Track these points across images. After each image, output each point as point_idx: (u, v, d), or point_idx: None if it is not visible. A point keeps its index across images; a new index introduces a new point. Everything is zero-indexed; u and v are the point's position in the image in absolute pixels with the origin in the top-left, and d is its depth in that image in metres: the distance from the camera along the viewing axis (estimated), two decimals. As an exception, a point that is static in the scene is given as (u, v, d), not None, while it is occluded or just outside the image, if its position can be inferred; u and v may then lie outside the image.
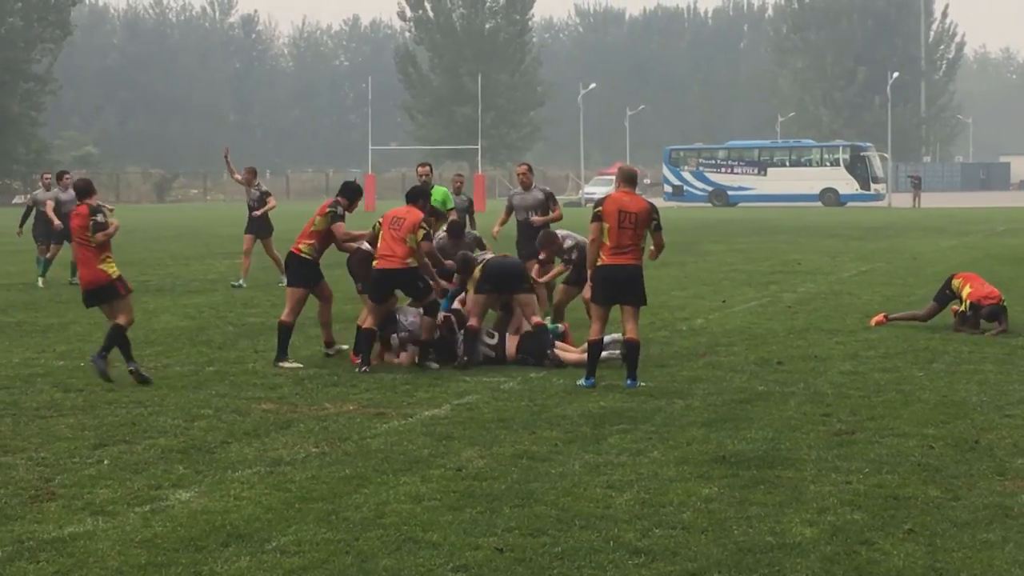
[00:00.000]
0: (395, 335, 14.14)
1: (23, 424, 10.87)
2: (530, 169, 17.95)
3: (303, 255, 14.37)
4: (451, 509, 8.06)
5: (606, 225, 12.53)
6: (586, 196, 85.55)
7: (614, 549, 7.23)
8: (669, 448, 9.77)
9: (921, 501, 8.20)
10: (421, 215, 13.98)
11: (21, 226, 25.45)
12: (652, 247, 12.96)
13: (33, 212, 25.33)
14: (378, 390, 12.46)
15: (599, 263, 12.64)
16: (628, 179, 13.04)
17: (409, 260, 13.65)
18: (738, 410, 11.29)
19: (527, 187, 17.67)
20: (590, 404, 11.59)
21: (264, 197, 23.81)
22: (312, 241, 14.40)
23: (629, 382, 12.52)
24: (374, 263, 13.98)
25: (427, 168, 18.55)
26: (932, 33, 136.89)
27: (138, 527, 7.71)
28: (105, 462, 9.43)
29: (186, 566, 7.00)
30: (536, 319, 14.18)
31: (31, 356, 14.88)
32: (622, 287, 12.55)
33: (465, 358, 13.81)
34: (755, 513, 7.94)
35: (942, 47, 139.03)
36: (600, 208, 12.61)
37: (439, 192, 18.22)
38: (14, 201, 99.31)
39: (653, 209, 12.77)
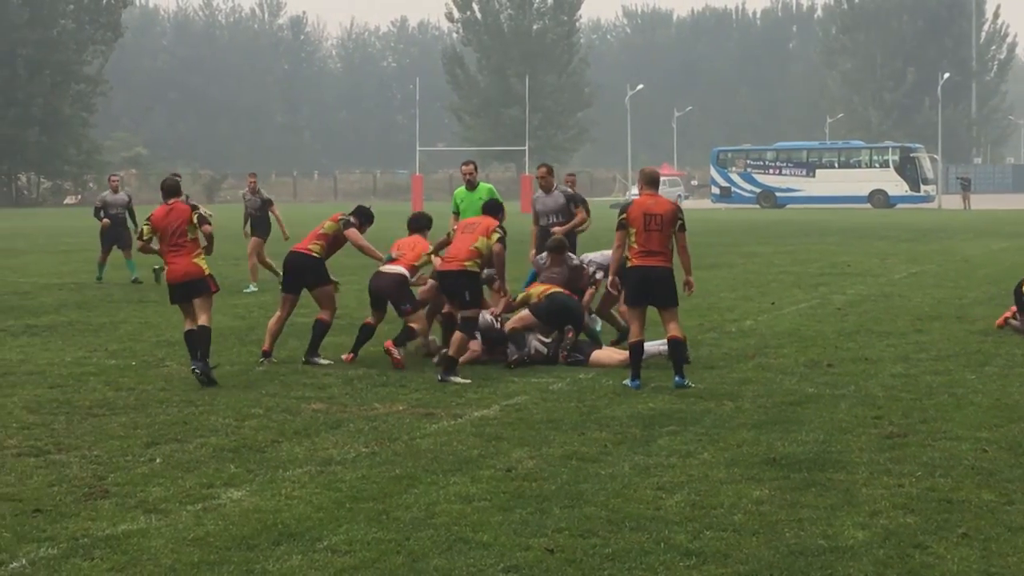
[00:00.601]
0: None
1: (76, 422, 10.96)
2: (550, 171, 16.79)
3: (312, 253, 14.54)
4: (501, 510, 8.06)
5: (632, 230, 12.66)
6: (634, 197, 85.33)
7: (665, 551, 7.21)
8: (719, 450, 9.74)
9: (975, 505, 8.14)
10: (496, 221, 14.04)
11: (101, 220, 25.54)
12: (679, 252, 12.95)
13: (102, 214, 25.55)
14: (427, 390, 12.49)
15: (629, 265, 12.76)
16: (651, 182, 13.13)
17: (468, 263, 13.58)
18: (788, 412, 11.23)
19: (548, 190, 16.76)
20: (639, 405, 11.57)
21: (266, 206, 24.01)
22: (321, 242, 14.63)
23: (677, 379, 12.54)
24: (438, 264, 14.12)
25: (471, 167, 18.20)
26: (983, 34, 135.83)
27: (191, 525, 7.76)
28: (157, 460, 9.50)
29: (238, 564, 7.04)
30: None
31: (83, 355, 15.01)
32: (653, 288, 12.63)
33: (515, 357, 13.86)
34: (806, 516, 7.90)
35: (993, 48, 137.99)
36: (625, 215, 12.73)
37: (484, 189, 17.99)
38: (65, 202, 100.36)
39: (678, 209, 12.87)
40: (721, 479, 8.83)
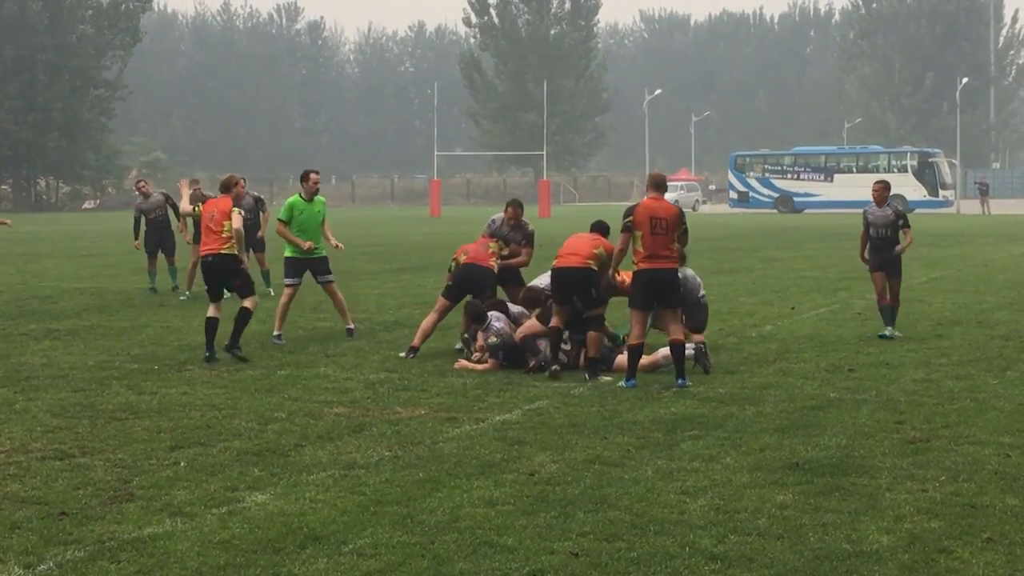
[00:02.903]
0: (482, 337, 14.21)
1: (100, 426, 11.00)
2: (519, 206, 15.97)
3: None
4: (525, 513, 8.08)
5: (638, 233, 12.76)
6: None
7: (690, 555, 7.22)
8: (742, 454, 9.75)
9: (999, 510, 8.13)
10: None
11: (137, 238, 24.23)
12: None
13: (143, 222, 24.21)
14: (449, 395, 12.51)
15: (636, 268, 12.89)
16: (658, 186, 13.16)
17: (591, 262, 13.67)
18: (810, 417, 11.23)
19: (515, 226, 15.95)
20: (661, 410, 11.58)
21: (259, 205, 23.04)
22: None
23: (680, 381, 12.71)
24: (554, 262, 13.87)
25: (318, 176, 17.25)
26: (1002, 38, 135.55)
27: (216, 528, 7.79)
28: (182, 464, 9.54)
29: (264, 567, 7.06)
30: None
31: (105, 359, 15.07)
32: (660, 290, 12.80)
33: (532, 364, 13.88)
34: (831, 520, 7.90)
35: (1012, 52, 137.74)
36: (631, 218, 12.81)
37: (320, 202, 16.90)
38: (84, 206, 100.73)
39: (681, 213, 13.05)
40: (744, 483, 8.83)
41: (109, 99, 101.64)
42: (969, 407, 11.64)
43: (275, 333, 16.48)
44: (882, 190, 17.36)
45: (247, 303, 15.07)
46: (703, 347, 13.87)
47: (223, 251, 15.04)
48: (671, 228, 12.78)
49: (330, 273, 16.90)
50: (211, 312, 15.02)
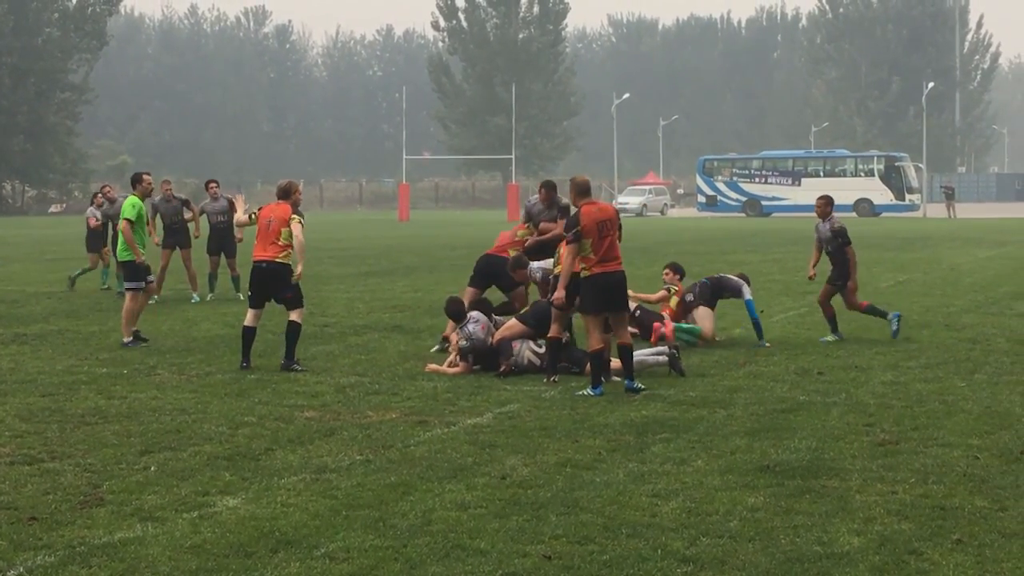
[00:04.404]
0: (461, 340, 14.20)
1: (69, 430, 10.95)
2: (552, 187, 16.63)
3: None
4: (497, 516, 8.08)
5: (588, 240, 12.70)
6: (619, 206, 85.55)
7: (662, 557, 7.24)
8: (713, 457, 9.77)
9: (968, 511, 8.18)
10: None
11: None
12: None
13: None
14: (420, 398, 12.51)
15: (588, 274, 12.76)
16: (587, 190, 13.18)
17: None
18: (780, 420, 11.28)
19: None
20: (632, 413, 11.60)
21: (229, 204, 22.57)
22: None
23: (628, 382, 12.78)
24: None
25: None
26: (967, 43, 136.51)
27: (187, 533, 7.76)
28: (152, 468, 9.50)
29: (236, 572, 7.04)
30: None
31: (74, 363, 14.99)
32: (613, 293, 12.77)
33: (503, 368, 13.87)
34: (801, 522, 7.93)
35: (977, 57, 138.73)
36: (579, 228, 12.69)
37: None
38: (50, 210, 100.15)
39: (617, 212, 13.27)
40: (716, 486, 8.86)
41: (75, 102, 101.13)
42: (938, 409, 11.71)
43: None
44: (824, 205, 17.33)
45: (294, 316, 14.49)
46: (676, 352, 13.91)
47: (278, 259, 14.43)
48: (614, 227, 12.87)
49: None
50: (249, 321, 14.54)
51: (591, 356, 12.83)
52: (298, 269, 14.52)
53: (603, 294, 12.72)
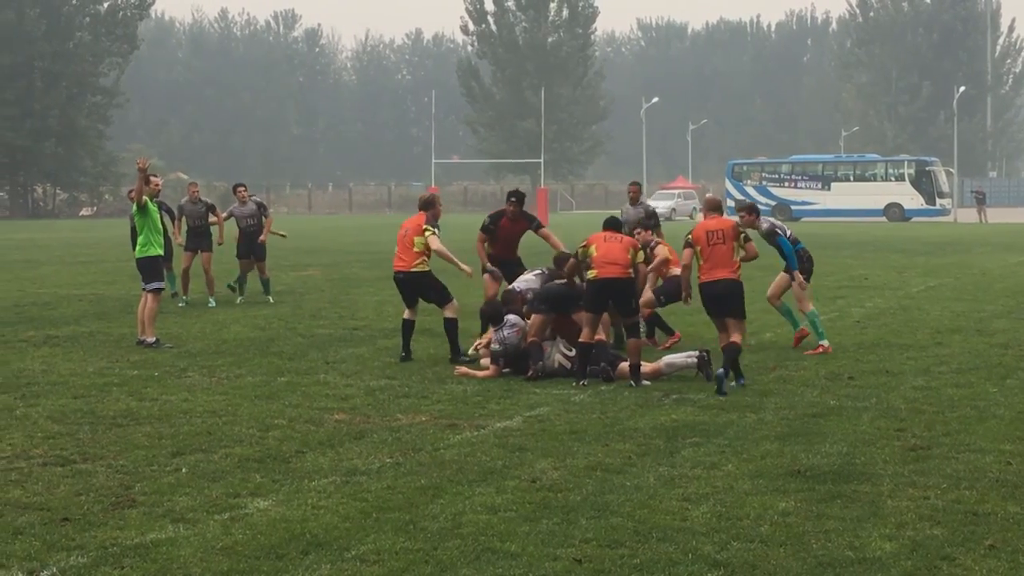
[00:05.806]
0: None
1: (101, 432, 11.00)
2: (639, 184, 19.05)
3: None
4: (527, 520, 8.08)
5: (698, 248, 13.71)
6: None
7: (692, 561, 7.23)
8: (743, 461, 9.75)
9: (1001, 517, 8.13)
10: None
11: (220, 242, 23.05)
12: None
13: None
14: (449, 402, 12.52)
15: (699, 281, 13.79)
16: (713, 207, 14.43)
17: (630, 270, 13.84)
18: (811, 424, 11.24)
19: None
20: (662, 417, 11.58)
21: (261, 211, 23.18)
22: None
23: (730, 379, 13.16)
24: (593, 272, 13.70)
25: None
26: (998, 47, 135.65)
27: (219, 535, 7.79)
28: (183, 470, 9.54)
29: (268, 573, 7.06)
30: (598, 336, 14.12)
31: (105, 365, 15.07)
32: (719, 302, 13.63)
33: (530, 372, 13.84)
34: (833, 527, 7.90)
35: (1008, 61, 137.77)
36: (690, 235, 13.79)
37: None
38: (81, 213, 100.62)
39: (736, 224, 13.96)
40: (746, 490, 8.84)
41: (106, 106, 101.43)
42: (970, 415, 11.65)
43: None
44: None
45: (448, 312, 15.21)
46: (706, 355, 13.88)
47: (413, 269, 15.19)
48: (727, 237, 13.71)
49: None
50: (407, 315, 15.40)
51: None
52: (463, 267, 15.17)
53: (707, 303, 13.80)
